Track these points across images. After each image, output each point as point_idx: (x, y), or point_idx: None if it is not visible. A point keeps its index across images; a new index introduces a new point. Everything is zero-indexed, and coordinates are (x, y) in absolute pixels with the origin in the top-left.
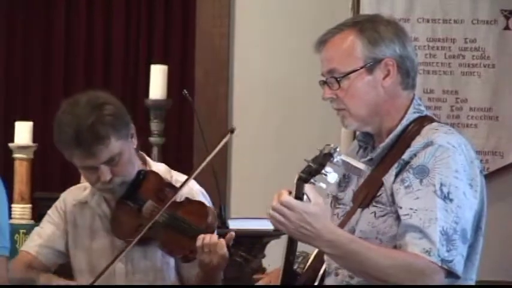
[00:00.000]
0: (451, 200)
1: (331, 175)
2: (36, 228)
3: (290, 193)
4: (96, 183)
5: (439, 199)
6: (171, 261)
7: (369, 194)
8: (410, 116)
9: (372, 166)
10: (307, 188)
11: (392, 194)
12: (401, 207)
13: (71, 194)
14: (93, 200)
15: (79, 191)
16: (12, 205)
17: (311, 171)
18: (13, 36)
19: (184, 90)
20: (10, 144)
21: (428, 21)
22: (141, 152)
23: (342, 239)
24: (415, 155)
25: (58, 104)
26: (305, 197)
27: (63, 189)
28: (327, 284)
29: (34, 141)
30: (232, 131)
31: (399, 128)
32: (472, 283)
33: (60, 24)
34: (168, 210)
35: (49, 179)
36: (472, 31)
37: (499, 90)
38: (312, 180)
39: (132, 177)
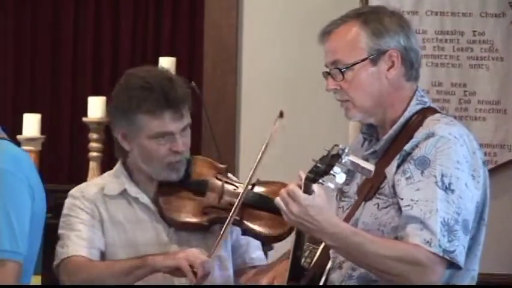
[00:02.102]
0: (452, 191)
1: (340, 175)
2: (70, 233)
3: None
4: (166, 156)
5: (440, 190)
6: (230, 249)
7: (373, 186)
8: (413, 107)
9: (375, 159)
10: (314, 185)
11: (393, 185)
12: (402, 199)
13: (91, 191)
14: (132, 190)
15: (97, 187)
16: None
17: (319, 172)
18: (22, 28)
19: (193, 82)
20: (18, 136)
21: (436, 14)
22: None
23: (345, 232)
24: (416, 146)
25: (66, 96)
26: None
27: (71, 181)
28: (333, 278)
29: (42, 133)
30: (281, 115)
31: (402, 119)
32: (475, 274)
33: (68, 17)
34: (247, 191)
35: (57, 170)
36: (481, 24)
37: (508, 83)
38: (320, 180)
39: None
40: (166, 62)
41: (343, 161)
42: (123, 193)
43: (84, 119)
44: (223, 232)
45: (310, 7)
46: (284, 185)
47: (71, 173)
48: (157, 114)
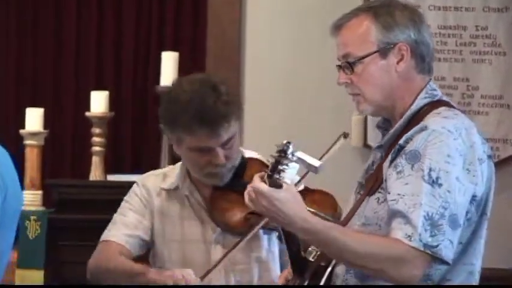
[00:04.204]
0: (439, 185)
1: (290, 170)
2: (118, 217)
3: (263, 177)
4: (206, 167)
5: (426, 184)
6: (276, 251)
7: (377, 181)
8: (421, 101)
9: (382, 152)
10: (286, 180)
11: (386, 179)
12: (389, 193)
13: (151, 181)
14: (184, 187)
15: (159, 178)
16: (23, 191)
17: (272, 168)
18: (24, 22)
19: None
20: (21, 131)
21: (439, 8)
22: None
23: (317, 227)
24: (410, 139)
25: (69, 91)
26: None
27: (73, 176)
28: (337, 271)
29: (45, 127)
30: (345, 136)
31: (408, 113)
32: (473, 269)
33: (71, 11)
34: None
35: (59, 165)
36: (483, 19)
37: (510, 77)
38: (276, 176)
39: (237, 163)
40: (169, 57)
41: (289, 156)
42: (177, 189)
43: (87, 113)
44: (248, 235)
45: (314, 2)
46: (329, 195)
47: (73, 167)
48: (192, 131)
